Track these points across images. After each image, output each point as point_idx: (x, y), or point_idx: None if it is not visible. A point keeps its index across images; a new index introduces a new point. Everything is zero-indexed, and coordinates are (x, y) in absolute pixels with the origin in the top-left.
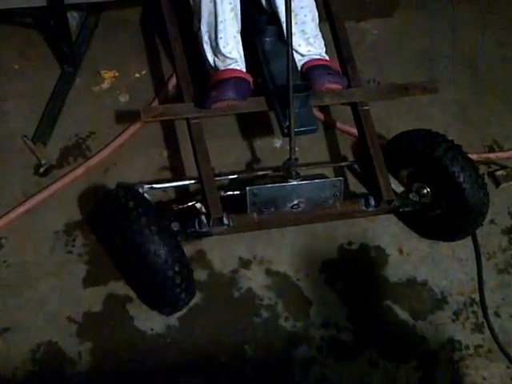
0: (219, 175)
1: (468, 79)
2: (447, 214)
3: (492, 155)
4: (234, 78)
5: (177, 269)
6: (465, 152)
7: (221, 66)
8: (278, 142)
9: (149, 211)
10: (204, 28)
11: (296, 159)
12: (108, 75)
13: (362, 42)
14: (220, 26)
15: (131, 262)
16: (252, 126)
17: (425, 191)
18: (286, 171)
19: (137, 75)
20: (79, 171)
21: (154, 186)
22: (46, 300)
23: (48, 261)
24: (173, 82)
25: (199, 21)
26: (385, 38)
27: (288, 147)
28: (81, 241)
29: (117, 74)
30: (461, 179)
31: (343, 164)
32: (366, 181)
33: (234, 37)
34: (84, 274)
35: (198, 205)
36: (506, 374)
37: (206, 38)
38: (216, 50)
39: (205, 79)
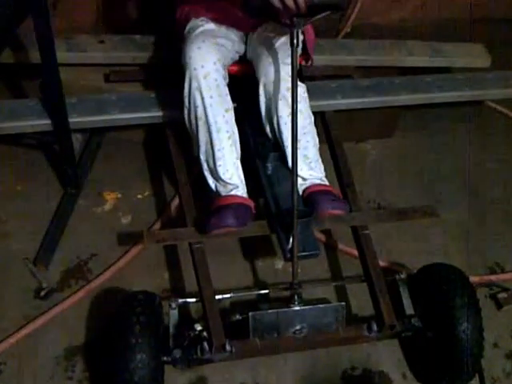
0: (221, 298)
1: (468, 200)
2: (439, 350)
3: (493, 277)
4: (234, 205)
5: None
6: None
7: (222, 191)
8: (279, 264)
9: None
10: (202, 156)
11: (299, 284)
12: (110, 196)
13: (362, 163)
14: (218, 154)
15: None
16: (253, 247)
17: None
18: (289, 296)
19: (139, 196)
20: (80, 294)
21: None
22: None
23: None
24: (175, 203)
25: (197, 149)
26: (384, 159)
27: (290, 269)
28: (81, 366)
29: (119, 195)
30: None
31: (350, 281)
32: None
33: (234, 163)
34: None
35: (199, 327)
36: None
37: (205, 165)
38: (216, 177)
39: (208, 202)
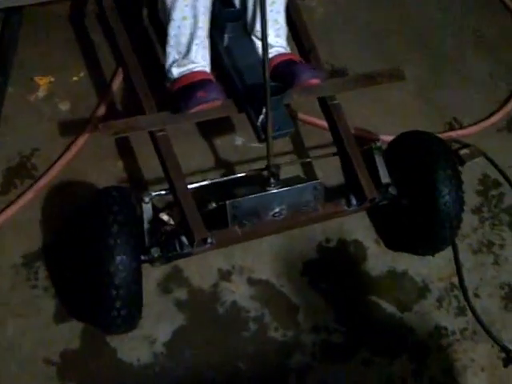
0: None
1: (421, 55)
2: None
3: (453, 134)
4: (206, 80)
5: (121, 293)
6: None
7: (184, 70)
8: (239, 140)
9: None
10: (173, 31)
11: (277, 165)
12: (43, 81)
13: (309, 22)
14: (196, 33)
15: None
16: (209, 126)
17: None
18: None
19: (75, 78)
20: (29, 195)
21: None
22: (17, 344)
23: (11, 300)
24: (116, 83)
25: (170, 24)
26: (332, 16)
27: (249, 145)
28: (44, 272)
29: (52, 79)
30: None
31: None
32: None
33: (203, 41)
34: (53, 309)
35: (165, 217)
36: (492, 353)
37: (171, 41)
38: (183, 54)
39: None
